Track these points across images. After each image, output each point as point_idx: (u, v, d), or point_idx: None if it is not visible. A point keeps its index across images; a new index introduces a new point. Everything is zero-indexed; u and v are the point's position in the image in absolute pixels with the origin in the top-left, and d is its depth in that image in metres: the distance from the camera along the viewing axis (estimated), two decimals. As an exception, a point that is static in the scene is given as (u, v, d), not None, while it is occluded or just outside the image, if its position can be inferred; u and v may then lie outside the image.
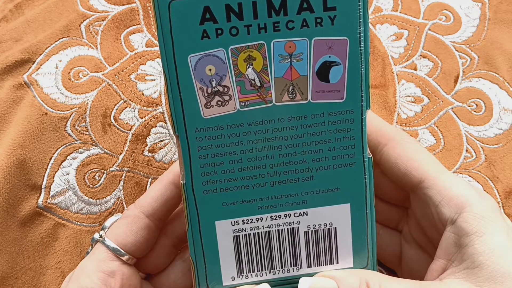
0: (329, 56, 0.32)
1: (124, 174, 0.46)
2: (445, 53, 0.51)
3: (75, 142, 0.46)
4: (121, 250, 0.37)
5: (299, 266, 0.36)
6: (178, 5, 0.31)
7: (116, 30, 0.50)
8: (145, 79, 0.48)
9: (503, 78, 0.50)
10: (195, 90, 0.32)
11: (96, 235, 0.38)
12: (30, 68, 0.48)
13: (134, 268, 0.38)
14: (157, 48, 0.49)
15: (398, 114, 0.48)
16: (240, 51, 0.32)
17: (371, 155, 0.35)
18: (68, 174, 0.46)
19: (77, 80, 0.48)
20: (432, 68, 0.50)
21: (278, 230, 0.35)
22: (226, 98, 0.32)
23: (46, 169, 0.45)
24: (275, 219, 0.35)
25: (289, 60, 0.32)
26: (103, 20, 0.50)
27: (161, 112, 0.47)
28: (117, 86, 0.47)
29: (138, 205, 0.38)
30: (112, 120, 0.47)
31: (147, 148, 0.47)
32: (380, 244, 0.41)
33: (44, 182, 0.45)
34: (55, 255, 0.45)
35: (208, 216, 0.34)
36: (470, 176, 0.47)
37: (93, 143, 0.46)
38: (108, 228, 0.38)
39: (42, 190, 0.45)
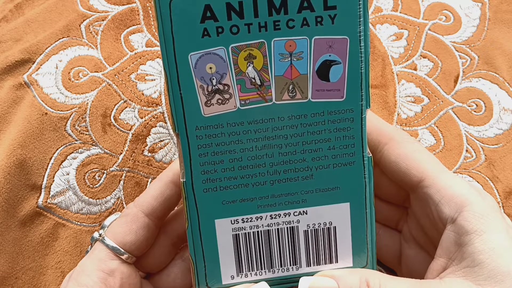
0: (329, 55, 0.32)
1: (124, 174, 0.46)
2: (445, 53, 0.51)
3: (75, 142, 0.46)
4: (121, 249, 0.37)
5: (298, 265, 0.36)
6: (179, 3, 0.31)
7: (116, 30, 0.50)
8: (145, 79, 0.48)
9: (503, 78, 0.50)
10: (195, 88, 0.32)
11: (96, 234, 0.38)
12: (30, 68, 0.48)
13: (133, 267, 0.38)
14: (157, 48, 0.49)
15: (398, 114, 0.48)
16: (241, 50, 0.32)
17: (371, 154, 0.35)
18: (68, 174, 0.46)
19: (77, 80, 0.48)
20: (432, 68, 0.50)
21: (278, 229, 0.35)
22: (227, 96, 0.32)
23: (46, 169, 0.45)
24: (274, 218, 0.35)
25: (289, 58, 0.32)
26: (103, 20, 0.50)
27: (161, 112, 0.47)
28: (117, 86, 0.48)
29: (137, 203, 0.38)
30: (112, 120, 0.47)
31: (147, 148, 0.47)
32: (380, 244, 0.41)
33: (44, 182, 0.45)
34: (55, 255, 0.45)
35: (208, 214, 0.34)
36: (470, 176, 0.47)
37: (93, 143, 0.46)
38: (108, 227, 0.38)
39: (42, 190, 0.45)
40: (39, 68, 0.48)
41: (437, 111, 0.48)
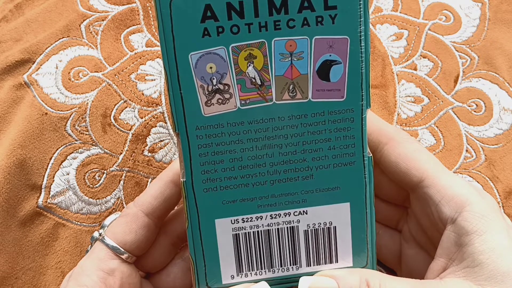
0: (330, 55, 0.32)
1: (124, 174, 0.46)
2: (445, 53, 0.51)
3: (75, 142, 0.46)
4: (121, 248, 0.37)
5: (298, 265, 0.36)
6: (179, 3, 0.31)
7: (116, 30, 0.50)
8: (145, 79, 0.48)
9: (503, 78, 0.50)
10: (195, 88, 0.32)
11: (96, 234, 0.38)
12: (30, 68, 0.48)
13: (133, 267, 0.38)
14: (157, 48, 0.49)
15: (398, 114, 0.48)
16: (241, 49, 0.32)
17: (371, 154, 0.35)
18: (68, 174, 0.46)
19: (77, 80, 0.48)
20: (432, 68, 0.50)
21: (278, 228, 0.35)
22: (227, 96, 0.32)
23: (46, 169, 0.45)
24: (274, 217, 0.35)
25: (289, 58, 0.32)
26: (103, 20, 0.50)
27: (161, 112, 0.47)
28: (117, 86, 0.48)
29: (137, 203, 0.38)
30: (112, 120, 0.47)
31: (147, 148, 0.47)
32: (380, 244, 0.41)
33: (44, 182, 0.45)
34: (55, 255, 0.45)
35: (208, 214, 0.34)
36: (470, 176, 0.47)
37: (93, 143, 0.46)
38: (108, 227, 0.38)
39: (42, 190, 0.45)
40: (39, 68, 0.48)
41: (437, 111, 0.48)
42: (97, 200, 0.46)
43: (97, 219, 0.45)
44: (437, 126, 0.48)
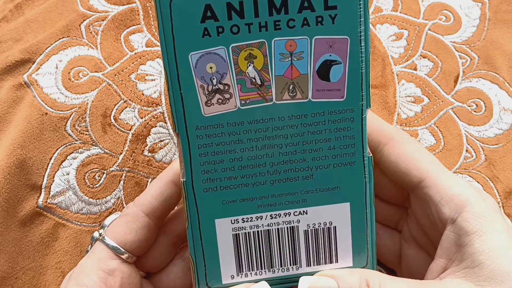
0: (330, 55, 0.32)
1: (124, 174, 0.46)
2: (445, 53, 0.51)
3: (75, 142, 0.46)
4: (121, 248, 0.37)
5: (298, 265, 0.36)
6: (179, 3, 0.31)
7: (116, 30, 0.50)
8: (145, 79, 0.48)
9: (503, 78, 0.50)
10: (195, 88, 0.32)
11: (96, 234, 0.38)
12: (30, 68, 0.48)
13: (133, 267, 0.38)
14: (157, 48, 0.49)
15: (398, 114, 0.48)
16: (241, 49, 0.32)
17: (371, 154, 0.35)
18: (68, 174, 0.46)
19: (77, 80, 0.48)
20: (432, 68, 0.50)
21: (278, 228, 0.35)
22: (227, 96, 0.32)
23: (46, 169, 0.45)
24: (274, 217, 0.35)
25: (289, 58, 0.32)
26: (103, 20, 0.50)
27: (161, 112, 0.47)
28: (117, 86, 0.48)
29: (137, 203, 0.38)
30: (112, 120, 0.47)
31: (147, 148, 0.47)
32: (380, 244, 0.41)
33: (44, 182, 0.45)
34: (55, 255, 0.45)
35: (208, 214, 0.34)
36: (470, 176, 0.47)
37: (93, 143, 0.46)
38: (108, 227, 0.38)
39: (42, 190, 0.45)
40: (39, 68, 0.48)
41: (437, 111, 0.48)
42: (97, 200, 0.46)
43: (97, 219, 0.45)
44: (437, 126, 0.48)
